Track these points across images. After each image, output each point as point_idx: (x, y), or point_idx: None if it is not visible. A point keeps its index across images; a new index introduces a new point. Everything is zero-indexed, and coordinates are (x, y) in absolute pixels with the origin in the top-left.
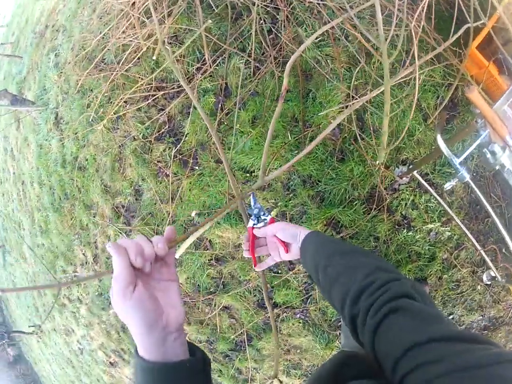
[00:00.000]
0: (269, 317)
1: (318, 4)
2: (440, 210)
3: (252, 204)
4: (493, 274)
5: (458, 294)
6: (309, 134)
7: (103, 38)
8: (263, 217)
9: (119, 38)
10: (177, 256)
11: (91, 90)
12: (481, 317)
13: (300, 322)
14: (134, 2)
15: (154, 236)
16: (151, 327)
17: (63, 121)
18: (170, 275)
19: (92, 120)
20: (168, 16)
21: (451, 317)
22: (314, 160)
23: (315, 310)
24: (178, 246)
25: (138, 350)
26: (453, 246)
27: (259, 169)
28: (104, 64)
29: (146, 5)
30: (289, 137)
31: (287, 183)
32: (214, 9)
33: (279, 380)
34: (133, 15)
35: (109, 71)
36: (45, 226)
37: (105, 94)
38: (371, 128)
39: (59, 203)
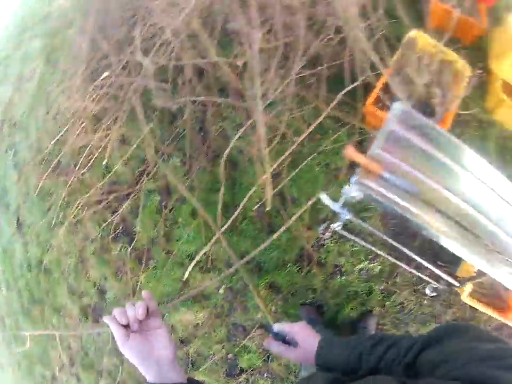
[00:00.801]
0: (240, 382)
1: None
2: (366, 250)
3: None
4: (435, 286)
5: (406, 314)
6: (240, 216)
7: (58, 140)
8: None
9: (73, 142)
10: None
11: (51, 193)
12: (438, 325)
13: (268, 381)
14: (86, 107)
15: (137, 302)
16: (146, 360)
17: (25, 224)
18: (157, 325)
19: (53, 224)
20: (114, 123)
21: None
22: (247, 238)
23: (279, 365)
24: None
25: (146, 379)
26: (387, 276)
27: (204, 254)
28: (61, 168)
29: (96, 110)
30: (225, 221)
31: (227, 261)
32: (154, 113)
33: None
34: (84, 120)
35: (66, 175)
36: (16, 332)
37: (65, 199)
38: (290, 199)
39: (28, 307)
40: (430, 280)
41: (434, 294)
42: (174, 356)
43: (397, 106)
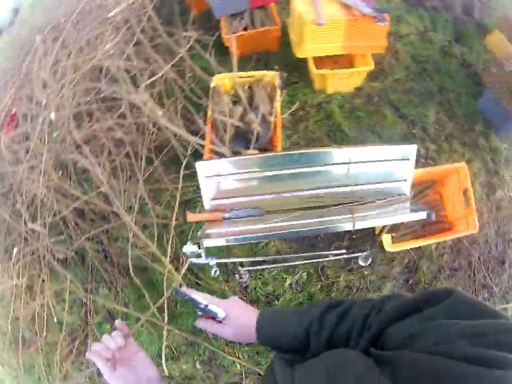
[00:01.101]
0: None
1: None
2: (283, 268)
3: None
4: (364, 255)
5: (356, 292)
6: (171, 304)
7: (13, 319)
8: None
9: (23, 316)
10: None
11: (32, 366)
12: (394, 280)
13: None
14: (16, 283)
15: (113, 332)
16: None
17: None
18: (135, 350)
19: None
20: (43, 284)
21: None
22: (188, 315)
23: None
24: None
25: None
26: (316, 276)
27: (167, 347)
28: (27, 340)
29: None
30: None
31: (186, 341)
32: (67, 262)
33: None
34: (21, 294)
35: (34, 344)
36: None
37: (44, 363)
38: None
39: None
40: (356, 254)
41: (369, 261)
42: (158, 374)
43: (198, 165)
